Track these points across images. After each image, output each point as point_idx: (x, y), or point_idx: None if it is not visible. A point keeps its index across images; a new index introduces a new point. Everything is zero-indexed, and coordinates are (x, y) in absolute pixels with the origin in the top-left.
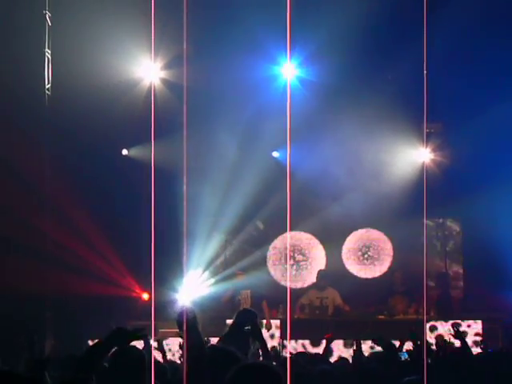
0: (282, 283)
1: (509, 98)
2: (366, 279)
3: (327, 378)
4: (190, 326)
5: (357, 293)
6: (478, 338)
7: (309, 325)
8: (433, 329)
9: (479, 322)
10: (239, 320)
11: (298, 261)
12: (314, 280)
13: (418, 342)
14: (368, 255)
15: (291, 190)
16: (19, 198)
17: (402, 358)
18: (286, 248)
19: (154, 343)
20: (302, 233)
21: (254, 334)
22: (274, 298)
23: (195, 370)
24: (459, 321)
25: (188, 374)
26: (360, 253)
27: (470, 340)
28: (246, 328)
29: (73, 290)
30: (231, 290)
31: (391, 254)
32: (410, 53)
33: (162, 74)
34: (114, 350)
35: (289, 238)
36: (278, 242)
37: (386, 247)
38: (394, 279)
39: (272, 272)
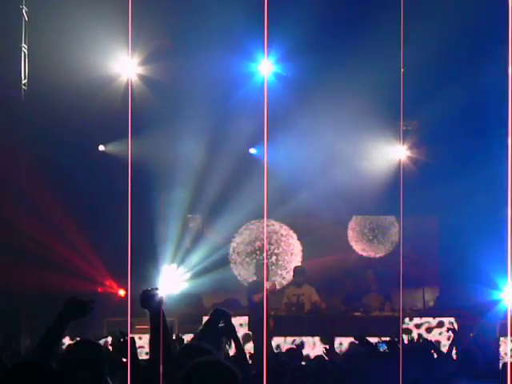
0: (250, 281)
1: (484, 96)
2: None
3: (301, 375)
4: (155, 310)
5: (334, 288)
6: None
7: (285, 322)
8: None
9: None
10: (214, 318)
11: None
12: (287, 276)
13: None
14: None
15: (269, 186)
16: None
17: (381, 349)
18: (250, 243)
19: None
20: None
21: (228, 332)
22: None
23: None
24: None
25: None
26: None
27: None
28: (220, 325)
29: (49, 287)
30: (273, 279)
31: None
32: (387, 51)
33: (140, 69)
34: (73, 342)
35: (266, 235)
36: (239, 238)
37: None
38: (366, 277)
39: (235, 270)
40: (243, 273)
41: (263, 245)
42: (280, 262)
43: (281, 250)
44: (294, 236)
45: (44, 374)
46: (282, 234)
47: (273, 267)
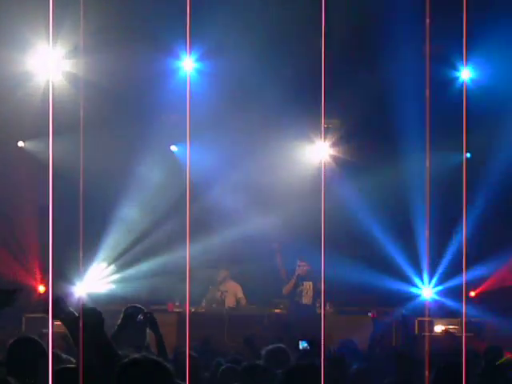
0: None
1: (404, 94)
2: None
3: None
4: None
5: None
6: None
7: (204, 319)
8: None
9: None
10: (128, 312)
11: None
12: None
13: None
14: None
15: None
16: None
17: (301, 347)
18: None
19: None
20: None
21: (151, 325)
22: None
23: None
24: None
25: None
26: None
27: None
28: (139, 318)
29: None
30: (294, 280)
31: None
32: (309, 48)
33: (61, 65)
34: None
35: (189, 230)
36: None
37: None
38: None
39: None
40: None
41: None
42: None
43: None
44: None
45: None
46: None
47: None
